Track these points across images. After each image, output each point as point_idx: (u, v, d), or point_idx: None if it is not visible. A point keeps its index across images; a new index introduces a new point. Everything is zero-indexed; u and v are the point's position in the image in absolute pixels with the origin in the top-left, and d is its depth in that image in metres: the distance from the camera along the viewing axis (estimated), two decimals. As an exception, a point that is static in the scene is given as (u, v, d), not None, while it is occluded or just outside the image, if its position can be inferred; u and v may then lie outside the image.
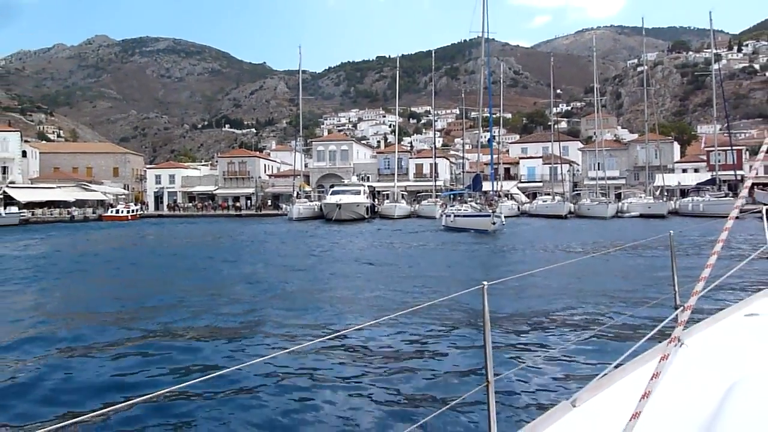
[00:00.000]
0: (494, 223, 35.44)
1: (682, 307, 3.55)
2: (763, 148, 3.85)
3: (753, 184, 73.15)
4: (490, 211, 37.41)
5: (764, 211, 4.92)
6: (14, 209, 61.20)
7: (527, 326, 10.48)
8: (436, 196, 68.05)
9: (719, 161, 66.70)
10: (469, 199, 49.53)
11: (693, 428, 2.11)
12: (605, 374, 2.87)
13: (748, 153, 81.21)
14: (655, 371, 2.15)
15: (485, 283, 2.49)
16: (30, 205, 67.06)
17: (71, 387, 7.85)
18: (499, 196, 52.84)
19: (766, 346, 3.28)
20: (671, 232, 4.29)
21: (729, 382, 2.44)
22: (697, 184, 69.26)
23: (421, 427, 4.65)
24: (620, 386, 2.73)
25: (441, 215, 48.07)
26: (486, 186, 47.35)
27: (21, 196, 67.52)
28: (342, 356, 8.62)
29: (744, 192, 3.74)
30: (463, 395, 3.97)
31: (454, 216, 42.67)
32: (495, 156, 58.35)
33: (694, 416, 2.21)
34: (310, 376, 7.70)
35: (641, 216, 57.15)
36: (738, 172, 63.77)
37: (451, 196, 66.57)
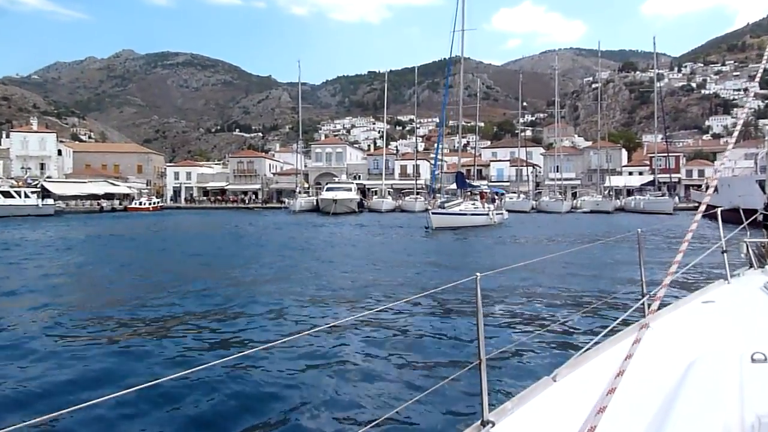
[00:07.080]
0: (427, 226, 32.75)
1: (649, 295, 3.58)
2: (721, 159, 3.79)
3: (689, 186, 73.86)
4: (430, 209, 35.59)
5: (719, 213, 4.89)
6: (50, 201, 60.22)
7: (514, 311, 10.20)
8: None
9: (659, 166, 67.24)
10: (447, 196, 49.00)
11: (659, 401, 2.11)
12: (582, 353, 2.84)
13: (684, 159, 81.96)
14: (628, 353, 2.15)
15: (478, 274, 2.44)
16: (64, 198, 65.95)
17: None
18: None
19: (720, 329, 3.30)
20: (639, 230, 4.15)
21: (689, 360, 2.47)
22: (641, 185, 69.81)
23: (420, 401, 4.56)
24: (595, 363, 2.70)
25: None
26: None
27: (56, 189, 66.35)
28: (347, 338, 8.26)
29: (707, 199, 3.73)
30: (459, 372, 3.88)
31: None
32: (470, 159, 58.21)
33: (660, 391, 2.20)
34: (319, 356, 7.28)
35: (591, 212, 57.51)
36: (674, 175, 64.20)
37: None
